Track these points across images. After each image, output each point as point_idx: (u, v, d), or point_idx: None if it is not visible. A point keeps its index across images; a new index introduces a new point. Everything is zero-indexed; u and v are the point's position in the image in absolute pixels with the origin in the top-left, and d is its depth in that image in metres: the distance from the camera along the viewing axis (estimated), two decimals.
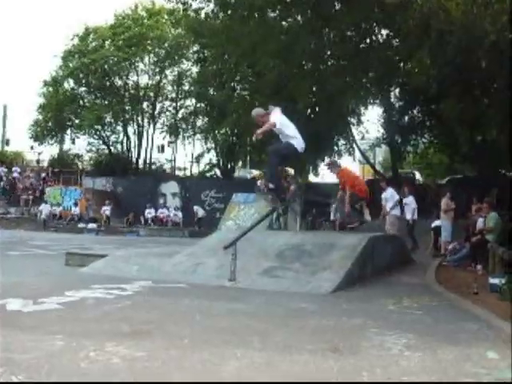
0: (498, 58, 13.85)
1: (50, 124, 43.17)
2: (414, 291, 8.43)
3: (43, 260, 12.60)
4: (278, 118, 9.04)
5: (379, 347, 4.65)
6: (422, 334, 5.21)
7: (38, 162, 44.42)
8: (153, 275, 9.16)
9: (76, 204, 34.12)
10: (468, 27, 13.34)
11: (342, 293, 7.90)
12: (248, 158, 41.90)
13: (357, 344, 4.76)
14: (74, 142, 44.74)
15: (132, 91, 43.47)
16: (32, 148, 45.44)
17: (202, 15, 25.34)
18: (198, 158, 43.30)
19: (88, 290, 7.37)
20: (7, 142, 48.72)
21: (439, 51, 16.00)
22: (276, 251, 9.70)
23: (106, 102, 42.51)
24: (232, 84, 34.30)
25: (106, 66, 41.08)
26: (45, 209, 32.81)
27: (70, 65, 41.71)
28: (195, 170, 44.47)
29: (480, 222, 13.27)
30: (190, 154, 44.42)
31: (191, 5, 24.44)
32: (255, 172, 38.19)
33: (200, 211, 32.28)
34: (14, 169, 39.58)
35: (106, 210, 32.87)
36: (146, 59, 43.16)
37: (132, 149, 44.24)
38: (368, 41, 23.37)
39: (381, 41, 23.40)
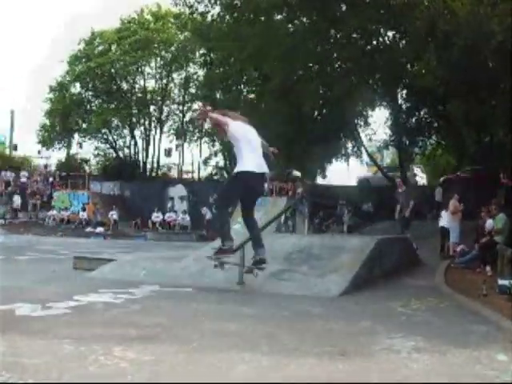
0: (505, 59, 13.80)
1: (57, 128, 43.32)
2: (423, 293, 8.38)
3: (51, 264, 12.61)
4: (234, 123, 7.26)
5: (388, 350, 4.63)
6: (431, 336, 5.18)
7: (45, 166, 44.51)
8: (161, 279, 9.15)
9: (84, 208, 34.18)
10: (474, 27, 13.32)
11: (349, 295, 7.87)
12: None
13: (365, 347, 4.74)
14: (81, 147, 44.91)
15: (139, 95, 43.59)
16: (39, 153, 45.64)
17: (209, 18, 25.42)
18: (205, 161, 43.30)
19: (96, 295, 7.38)
20: (15, 147, 48.88)
21: (445, 52, 15.96)
22: (284, 254, 9.67)
23: (113, 106, 42.61)
24: (238, 87, 34.30)
25: (112, 70, 41.24)
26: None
27: (77, 69, 41.86)
28: (203, 173, 44.51)
29: (488, 224, 13.21)
30: (197, 158, 44.48)
31: (197, 8, 24.55)
32: None
33: (208, 213, 32.27)
34: (21, 174, 39.66)
35: (114, 214, 32.93)
36: (153, 63, 43.29)
37: (139, 153, 44.37)
38: (374, 43, 23.37)
39: (387, 42, 23.40)
